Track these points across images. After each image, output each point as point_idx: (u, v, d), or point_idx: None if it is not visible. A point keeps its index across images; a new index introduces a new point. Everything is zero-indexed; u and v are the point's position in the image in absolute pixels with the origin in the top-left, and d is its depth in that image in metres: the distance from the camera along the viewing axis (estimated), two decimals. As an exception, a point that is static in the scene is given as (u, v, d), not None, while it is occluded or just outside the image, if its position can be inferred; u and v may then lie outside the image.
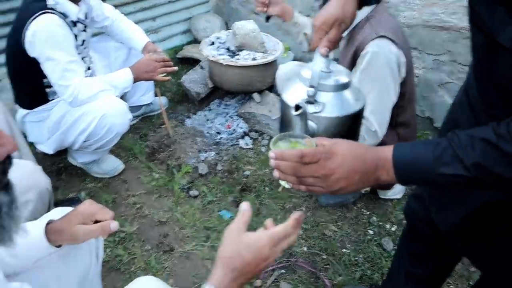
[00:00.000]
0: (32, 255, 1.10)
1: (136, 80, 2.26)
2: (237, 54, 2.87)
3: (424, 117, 2.86)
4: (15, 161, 1.65)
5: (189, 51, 3.63)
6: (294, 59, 3.36)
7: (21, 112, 2.25)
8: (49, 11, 1.98)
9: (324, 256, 2.01)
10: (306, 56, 3.36)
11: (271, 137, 2.74)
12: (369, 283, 1.89)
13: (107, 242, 2.01)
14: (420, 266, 1.49)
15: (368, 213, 2.26)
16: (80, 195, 2.31)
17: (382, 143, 1.92)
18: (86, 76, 2.14)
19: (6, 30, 2.30)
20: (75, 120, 2.13)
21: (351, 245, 2.08)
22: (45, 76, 2.08)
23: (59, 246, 1.12)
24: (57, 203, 1.83)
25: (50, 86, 2.14)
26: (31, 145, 2.33)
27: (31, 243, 1.07)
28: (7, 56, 2.19)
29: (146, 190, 2.36)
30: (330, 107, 1.00)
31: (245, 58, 2.82)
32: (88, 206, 1.13)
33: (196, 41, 3.82)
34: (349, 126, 1.04)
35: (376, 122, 1.89)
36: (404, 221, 1.61)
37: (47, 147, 2.30)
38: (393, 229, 2.17)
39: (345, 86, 1.03)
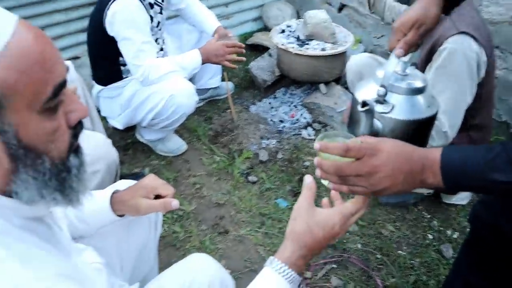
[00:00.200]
0: (97, 221, 1.16)
1: (204, 61, 2.28)
2: (307, 44, 2.84)
3: (500, 121, 2.68)
4: (89, 132, 1.75)
5: (259, 38, 3.64)
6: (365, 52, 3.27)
7: (97, 87, 2.39)
8: (128, -8, 2.07)
9: (379, 256, 1.96)
10: (377, 50, 3.25)
11: (333, 130, 2.69)
12: (424, 289, 1.83)
13: (166, 218, 2.08)
14: (480, 277, 1.41)
15: (429, 216, 2.16)
16: (144, 170, 2.42)
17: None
18: (158, 57, 2.22)
19: (89, 10, 2.44)
20: (144, 98, 2.22)
21: (408, 247, 2.01)
22: (121, 55, 2.19)
23: (122, 216, 1.18)
24: (122, 177, 1.92)
25: (125, 65, 2.24)
26: (104, 119, 2.46)
27: (97, 210, 1.13)
28: (88, 34, 2.33)
29: (206, 172, 2.42)
30: (399, 109, 1.00)
31: (314, 48, 2.78)
32: (152, 180, 1.17)
33: (266, 29, 3.82)
34: (416, 131, 1.02)
35: (447, 122, 1.79)
36: (468, 229, 1.52)
37: (118, 123, 2.42)
38: (454, 236, 2.06)
39: (418, 91, 1.03)
